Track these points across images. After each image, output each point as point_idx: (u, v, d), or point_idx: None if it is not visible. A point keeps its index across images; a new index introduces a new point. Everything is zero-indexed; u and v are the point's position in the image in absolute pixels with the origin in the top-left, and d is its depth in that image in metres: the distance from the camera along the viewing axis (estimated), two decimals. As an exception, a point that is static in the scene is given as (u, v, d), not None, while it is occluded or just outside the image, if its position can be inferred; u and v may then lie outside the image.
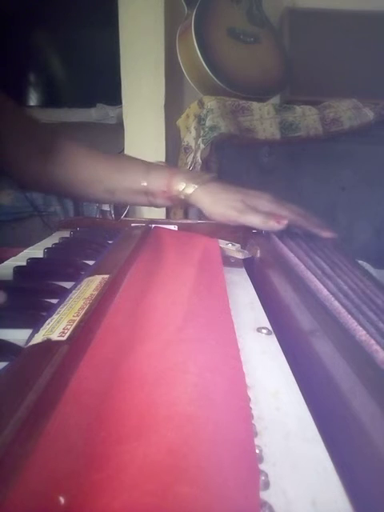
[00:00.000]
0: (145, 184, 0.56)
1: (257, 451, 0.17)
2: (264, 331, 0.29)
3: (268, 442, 0.18)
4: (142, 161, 0.60)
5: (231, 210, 0.51)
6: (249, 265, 0.47)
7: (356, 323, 0.25)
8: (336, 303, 0.28)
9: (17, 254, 0.51)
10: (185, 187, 0.54)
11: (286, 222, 0.48)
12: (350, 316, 0.26)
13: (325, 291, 0.30)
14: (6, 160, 0.58)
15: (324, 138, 1.07)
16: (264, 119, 1.05)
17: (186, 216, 1.06)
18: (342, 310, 0.27)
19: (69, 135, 0.62)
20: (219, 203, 0.53)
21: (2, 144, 0.56)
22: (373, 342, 0.23)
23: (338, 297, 0.29)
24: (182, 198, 0.55)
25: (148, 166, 0.58)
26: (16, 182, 0.64)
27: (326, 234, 0.51)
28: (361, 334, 0.24)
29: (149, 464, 0.15)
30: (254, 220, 0.50)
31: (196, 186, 0.54)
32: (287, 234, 0.49)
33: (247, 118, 1.05)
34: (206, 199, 0.53)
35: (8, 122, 0.57)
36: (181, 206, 0.58)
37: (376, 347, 0.22)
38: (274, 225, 0.49)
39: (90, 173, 0.59)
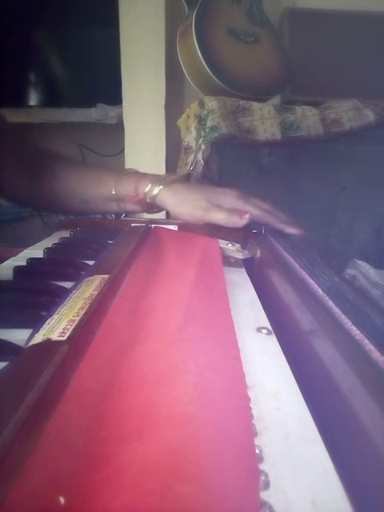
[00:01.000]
0: (114, 192, 0.58)
1: (257, 451, 0.17)
2: (264, 331, 0.29)
3: (268, 442, 0.18)
4: (114, 170, 0.63)
5: (196, 209, 0.52)
6: (249, 265, 0.47)
7: (350, 322, 0.25)
8: (330, 302, 0.28)
9: (17, 254, 0.51)
10: (150, 189, 0.55)
11: (247, 216, 0.49)
12: (344, 315, 0.26)
13: (320, 291, 0.30)
14: None
15: (324, 139, 1.07)
16: (265, 119, 1.05)
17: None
18: (337, 310, 0.27)
19: (54, 152, 0.64)
20: (185, 203, 0.53)
21: None
22: (367, 341, 0.23)
23: (331, 296, 0.29)
24: (149, 200, 0.56)
25: (118, 174, 0.60)
26: (2, 196, 0.65)
27: (292, 230, 0.51)
28: (356, 333, 0.24)
29: (149, 464, 0.15)
30: (219, 217, 0.50)
31: (161, 187, 0.55)
32: (281, 233, 0.49)
33: (248, 118, 1.05)
34: (171, 199, 0.54)
35: (1, 137, 0.57)
36: (150, 210, 0.60)
37: (370, 347, 0.22)
38: (237, 220, 0.49)
39: (69, 188, 0.61)
